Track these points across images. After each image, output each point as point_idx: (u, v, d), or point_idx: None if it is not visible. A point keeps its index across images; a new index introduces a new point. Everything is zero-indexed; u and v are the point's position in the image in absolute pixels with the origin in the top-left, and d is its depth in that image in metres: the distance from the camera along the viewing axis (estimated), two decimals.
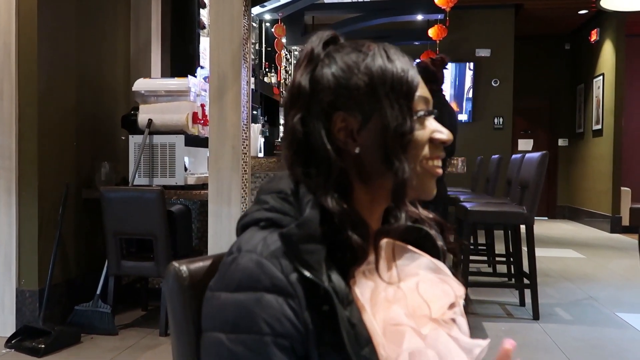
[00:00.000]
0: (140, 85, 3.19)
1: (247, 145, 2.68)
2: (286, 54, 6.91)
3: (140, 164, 3.11)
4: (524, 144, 8.67)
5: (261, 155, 3.49)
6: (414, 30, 7.08)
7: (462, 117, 7.90)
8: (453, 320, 0.71)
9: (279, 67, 6.09)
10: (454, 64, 7.83)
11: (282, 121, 6.57)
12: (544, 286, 3.88)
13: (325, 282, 0.63)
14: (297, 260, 0.64)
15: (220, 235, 2.65)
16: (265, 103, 5.80)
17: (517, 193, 3.57)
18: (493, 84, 7.83)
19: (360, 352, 0.62)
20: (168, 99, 3.18)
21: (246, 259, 0.65)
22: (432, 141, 0.72)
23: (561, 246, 5.99)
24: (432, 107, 0.74)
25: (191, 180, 3.17)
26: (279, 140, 3.45)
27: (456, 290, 0.73)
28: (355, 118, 0.70)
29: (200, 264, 0.76)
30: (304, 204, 0.68)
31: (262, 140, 3.56)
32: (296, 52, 7.45)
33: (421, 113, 0.72)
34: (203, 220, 3.38)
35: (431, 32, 5.89)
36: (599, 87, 7.67)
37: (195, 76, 3.38)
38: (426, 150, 0.72)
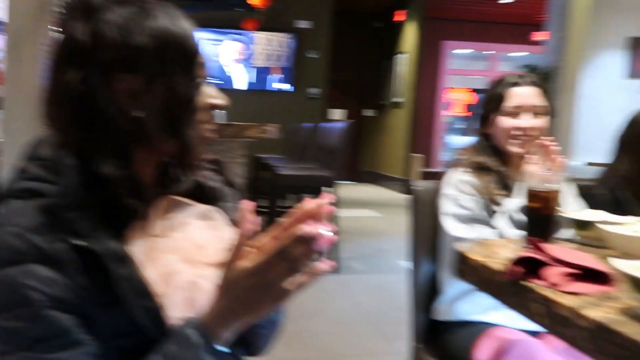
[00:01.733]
0: None
1: None
2: None
3: None
4: (336, 114, 9.33)
5: None
6: None
7: (283, 86, 8.17)
8: None
9: None
10: (274, 33, 8.02)
11: None
12: (345, 242, 4.34)
13: (96, 246, 0.64)
14: (63, 229, 0.63)
15: None
16: None
17: (325, 159, 3.91)
18: (310, 55, 8.20)
19: (141, 304, 0.65)
20: None
21: (6, 234, 0.63)
22: (206, 106, 0.74)
23: (362, 207, 6.69)
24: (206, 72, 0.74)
25: None
26: None
27: (228, 234, 0.75)
28: (139, 80, 0.67)
29: None
30: (66, 169, 0.66)
31: None
32: None
33: (200, 79, 0.72)
34: None
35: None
36: (400, 64, 8.56)
37: None
38: (202, 115, 0.73)
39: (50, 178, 0.67)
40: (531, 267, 0.87)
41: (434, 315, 1.48)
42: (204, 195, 0.81)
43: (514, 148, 1.43)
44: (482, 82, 10.03)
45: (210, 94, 0.74)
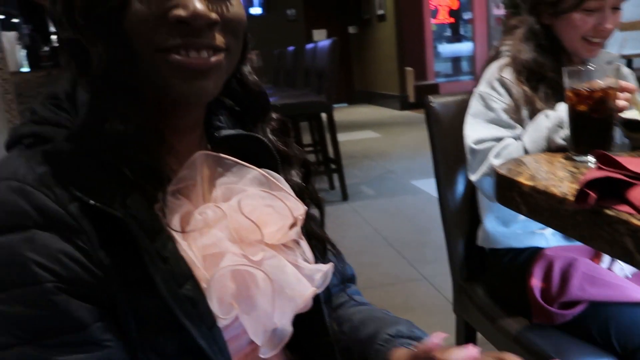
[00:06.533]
0: None
1: (2, 58, 2.22)
2: None
3: None
4: (318, 34, 8.86)
5: (26, 70, 2.96)
6: None
7: (255, 10, 7.71)
8: (296, 242, 0.60)
9: None
10: None
11: (52, 28, 5.68)
12: (349, 168, 4.14)
13: (118, 209, 0.49)
14: (73, 184, 0.49)
15: None
16: (29, 10, 4.91)
17: (315, 83, 3.63)
18: None
19: (178, 291, 0.50)
20: None
21: (4, 190, 0.48)
22: (170, 20, 0.50)
23: (360, 129, 6.45)
24: None
25: None
26: (46, 49, 2.93)
27: (294, 208, 0.60)
28: None
29: None
30: (80, 107, 0.53)
31: (25, 52, 3.00)
32: None
33: None
34: None
35: None
36: None
37: None
38: (161, 35, 0.51)
39: (64, 121, 0.54)
40: (606, 188, 0.65)
41: (477, 241, 1.26)
42: (256, 155, 0.63)
43: (585, 53, 1.13)
44: None
45: (174, 3, 0.51)
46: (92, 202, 0.48)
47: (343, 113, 8.01)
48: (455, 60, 10.80)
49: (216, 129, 0.64)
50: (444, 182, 1.25)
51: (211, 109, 0.64)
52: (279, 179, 0.62)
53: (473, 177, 1.15)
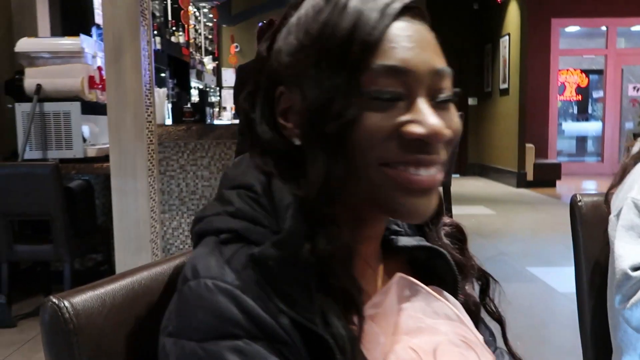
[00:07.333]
0: (25, 45, 2.82)
1: (151, 112, 2.44)
2: (195, 11, 6.51)
3: (31, 136, 2.77)
4: None
5: (169, 122, 3.24)
6: None
7: None
8: None
9: (186, 26, 5.71)
10: None
11: (193, 84, 6.22)
12: None
13: (320, 328, 0.46)
14: (279, 295, 0.46)
15: (127, 212, 2.42)
16: (174, 65, 5.44)
17: None
18: None
19: None
20: (59, 61, 2.84)
21: (214, 292, 0.45)
22: (402, 136, 0.48)
23: (473, 203, 6.23)
24: (416, 86, 0.49)
25: (91, 152, 2.88)
26: (189, 105, 3.20)
27: (482, 357, 0.55)
28: (296, 94, 0.51)
29: (93, 293, 0.54)
30: (282, 208, 0.49)
31: (170, 105, 3.31)
32: (205, 9, 7.03)
33: (383, 93, 0.48)
34: (108, 195, 3.11)
35: None
36: (505, 47, 7.92)
37: (91, 36, 3.04)
38: (389, 150, 0.48)
39: (261, 218, 0.50)
40: None
41: None
42: (430, 268, 0.60)
43: None
44: (597, 62, 9.13)
45: (408, 118, 0.49)
46: (298, 317, 0.45)
47: (455, 184, 7.78)
48: (581, 140, 10.24)
49: (393, 232, 0.61)
50: (589, 296, 1.13)
51: None
52: (463, 314, 0.57)
53: (622, 306, 0.99)
